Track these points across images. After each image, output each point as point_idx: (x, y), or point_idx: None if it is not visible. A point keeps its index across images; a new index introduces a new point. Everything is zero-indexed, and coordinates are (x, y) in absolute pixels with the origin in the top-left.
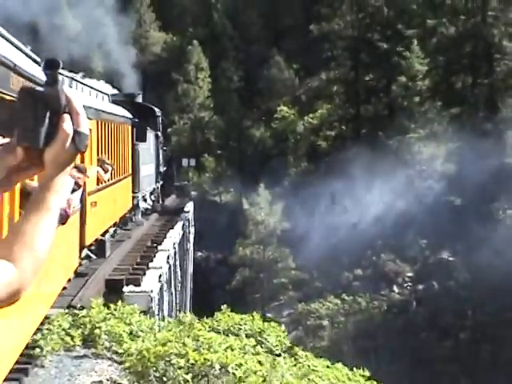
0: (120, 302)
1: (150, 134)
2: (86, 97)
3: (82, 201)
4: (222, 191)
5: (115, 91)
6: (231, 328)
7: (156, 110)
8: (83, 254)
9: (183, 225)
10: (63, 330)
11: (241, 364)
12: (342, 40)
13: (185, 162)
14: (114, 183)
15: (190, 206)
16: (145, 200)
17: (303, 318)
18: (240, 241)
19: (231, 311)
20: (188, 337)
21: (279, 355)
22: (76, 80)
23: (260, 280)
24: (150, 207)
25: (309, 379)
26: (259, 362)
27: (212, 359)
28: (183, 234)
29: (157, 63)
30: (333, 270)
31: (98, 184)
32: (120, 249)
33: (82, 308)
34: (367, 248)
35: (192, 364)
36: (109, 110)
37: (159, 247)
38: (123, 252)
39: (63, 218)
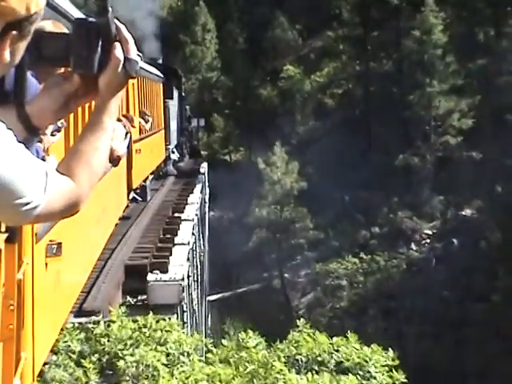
0: (150, 313)
1: (175, 93)
2: None
3: (129, 147)
4: (232, 150)
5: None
6: (318, 357)
7: (179, 71)
8: (130, 196)
9: (202, 188)
10: (71, 355)
11: None
12: None
13: (194, 122)
14: (152, 134)
15: (204, 167)
16: (173, 152)
17: (321, 278)
18: (256, 201)
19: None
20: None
21: None
22: None
23: (277, 240)
24: (177, 159)
25: None
26: None
27: None
28: (201, 198)
29: (163, 27)
30: (349, 229)
31: (140, 134)
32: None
33: (97, 321)
34: (383, 205)
35: None
36: (146, 68)
37: (182, 216)
38: (142, 226)
39: (115, 161)
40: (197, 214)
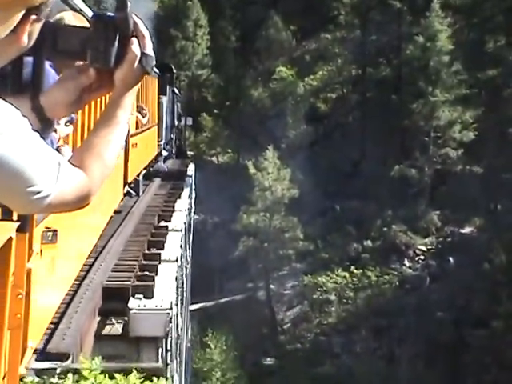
0: (133, 372)
1: (168, 89)
2: None
3: (126, 140)
4: (220, 152)
5: None
6: None
7: (172, 67)
8: (125, 190)
9: (189, 193)
10: None
11: None
12: None
13: (182, 120)
14: (147, 129)
15: (192, 169)
16: (164, 149)
17: (308, 291)
18: (244, 208)
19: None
20: None
21: None
22: None
23: (264, 250)
24: (167, 155)
25: None
26: None
27: None
28: (189, 204)
29: (153, 20)
30: (339, 241)
31: (136, 128)
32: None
33: (63, 372)
34: (376, 217)
35: None
36: None
37: (169, 225)
38: (125, 237)
39: None
40: (185, 223)
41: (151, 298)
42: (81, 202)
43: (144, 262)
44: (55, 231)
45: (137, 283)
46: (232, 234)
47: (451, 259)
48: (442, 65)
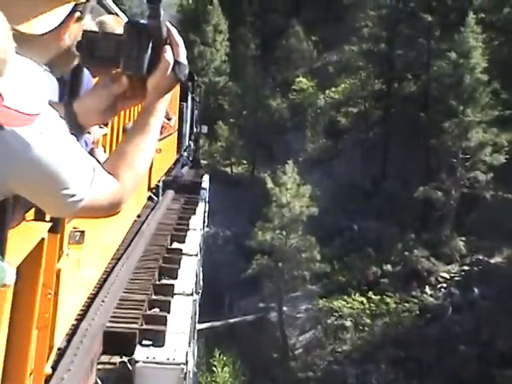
0: None
1: (189, 96)
2: None
3: None
4: (234, 162)
5: None
6: None
7: (194, 74)
8: (147, 195)
9: (204, 207)
10: None
11: None
12: (379, 9)
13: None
14: (169, 135)
15: (206, 181)
16: (182, 155)
17: (323, 315)
18: (260, 224)
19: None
20: None
21: None
22: None
23: (279, 270)
24: (185, 162)
25: None
26: None
27: None
28: (204, 221)
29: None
30: (357, 263)
31: (161, 133)
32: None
33: None
34: (397, 240)
35: None
36: None
37: (183, 248)
38: (133, 262)
39: None
40: (200, 245)
41: (162, 345)
42: (112, 209)
43: (154, 296)
44: (83, 232)
45: (145, 326)
46: (244, 249)
47: (476, 289)
48: (478, 83)
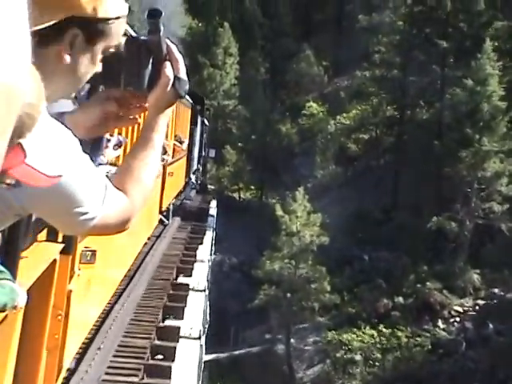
0: None
1: (198, 119)
2: None
3: (164, 169)
4: (242, 188)
5: None
6: None
7: (203, 97)
8: (158, 218)
9: (212, 236)
10: None
11: None
12: (393, 34)
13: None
14: (180, 158)
15: (214, 208)
16: (191, 179)
17: (332, 349)
18: (268, 253)
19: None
20: None
21: None
22: None
23: (287, 300)
24: (193, 186)
25: None
26: None
27: None
28: (211, 250)
29: (180, 46)
30: (368, 295)
31: (173, 156)
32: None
33: None
34: (409, 272)
35: None
36: None
37: (190, 283)
38: (135, 300)
39: None
40: (208, 278)
41: None
42: (122, 225)
43: (157, 341)
44: (94, 251)
45: (147, 380)
46: (250, 277)
47: (491, 324)
48: (497, 111)
